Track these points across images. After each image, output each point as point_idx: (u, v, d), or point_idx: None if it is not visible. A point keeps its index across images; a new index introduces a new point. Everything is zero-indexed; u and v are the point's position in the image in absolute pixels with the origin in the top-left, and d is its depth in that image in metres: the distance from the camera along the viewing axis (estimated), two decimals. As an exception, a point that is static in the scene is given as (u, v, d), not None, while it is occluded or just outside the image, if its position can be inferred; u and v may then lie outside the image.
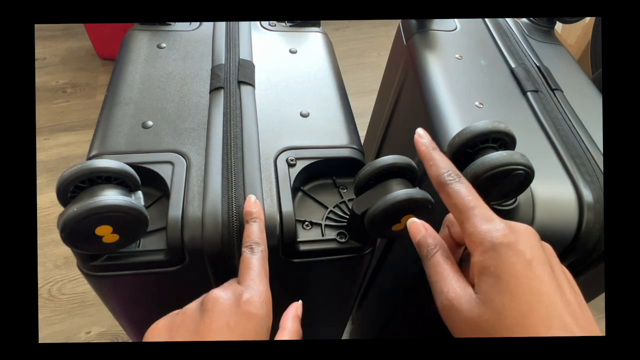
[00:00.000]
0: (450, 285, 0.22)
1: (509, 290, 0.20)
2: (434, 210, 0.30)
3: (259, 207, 0.30)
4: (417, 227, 0.26)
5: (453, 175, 0.24)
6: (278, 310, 0.32)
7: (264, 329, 0.26)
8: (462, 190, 0.24)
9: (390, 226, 0.30)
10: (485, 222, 0.22)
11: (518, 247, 0.21)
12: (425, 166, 0.26)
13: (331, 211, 0.34)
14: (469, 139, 0.31)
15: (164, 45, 0.44)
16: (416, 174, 0.31)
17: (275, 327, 0.28)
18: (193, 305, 0.26)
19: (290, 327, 0.27)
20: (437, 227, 0.27)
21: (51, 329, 0.80)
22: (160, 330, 0.25)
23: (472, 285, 0.22)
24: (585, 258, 0.35)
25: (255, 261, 0.27)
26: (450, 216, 0.26)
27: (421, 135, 0.27)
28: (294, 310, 0.28)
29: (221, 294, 0.26)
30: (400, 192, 0.28)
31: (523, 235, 0.22)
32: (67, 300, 0.84)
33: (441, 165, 0.25)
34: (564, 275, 0.23)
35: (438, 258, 0.24)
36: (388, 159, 0.29)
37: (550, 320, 0.20)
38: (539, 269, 0.21)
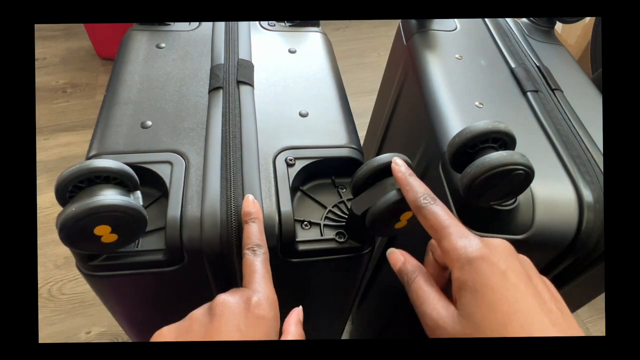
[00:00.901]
0: (432, 306, 0.23)
1: (486, 301, 0.21)
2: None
3: (258, 207, 0.30)
4: (396, 256, 0.27)
5: (428, 199, 0.25)
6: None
7: (273, 331, 0.26)
8: (438, 211, 0.25)
9: (391, 225, 0.30)
10: (460, 239, 0.23)
11: (492, 259, 0.22)
12: (403, 192, 0.27)
13: (330, 211, 0.34)
14: (469, 139, 0.31)
15: (163, 45, 0.44)
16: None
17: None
18: (200, 311, 0.26)
19: (294, 331, 0.27)
20: (422, 238, 0.28)
21: (51, 329, 0.80)
22: (166, 337, 0.25)
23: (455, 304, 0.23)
24: (585, 258, 0.35)
25: (258, 264, 0.27)
26: (432, 241, 0.27)
27: (398, 164, 0.28)
28: (296, 315, 0.29)
29: (230, 298, 0.26)
30: (400, 190, 0.28)
31: (497, 248, 0.23)
32: (67, 300, 0.84)
33: (417, 190, 0.26)
34: (543, 284, 0.23)
35: (419, 282, 0.25)
36: (385, 158, 0.29)
37: (530, 327, 0.20)
38: (515, 278, 0.22)
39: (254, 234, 0.29)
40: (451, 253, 0.23)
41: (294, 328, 0.28)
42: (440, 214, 0.24)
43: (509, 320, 0.20)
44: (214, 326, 0.25)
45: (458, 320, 0.22)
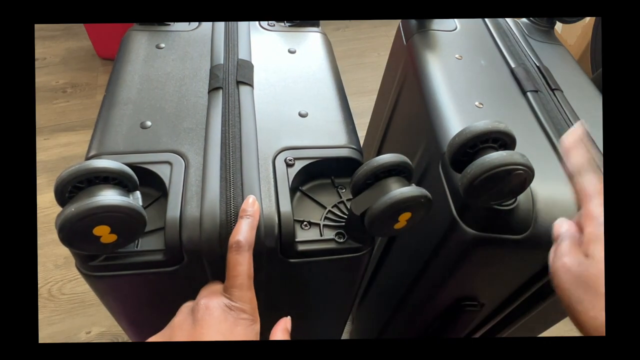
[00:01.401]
0: (566, 252, 0.27)
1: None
2: (431, 207, 0.30)
3: (256, 207, 0.30)
4: (561, 223, 0.30)
5: (586, 167, 0.28)
6: (277, 311, 0.32)
7: (253, 334, 0.27)
8: (592, 179, 0.28)
9: (391, 225, 0.30)
10: (600, 206, 0.26)
11: None
12: (565, 156, 0.29)
13: (330, 211, 0.34)
14: (469, 139, 0.30)
15: (162, 45, 0.44)
16: (412, 172, 0.31)
17: (268, 331, 0.29)
18: (180, 317, 0.27)
19: (280, 339, 0.28)
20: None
21: (51, 329, 0.80)
22: None
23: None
24: (585, 258, 0.35)
25: (241, 267, 0.28)
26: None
27: (571, 132, 0.30)
28: (284, 323, 0.30)
29: (210, 302, 0.27)
30: (399, 190, 0.28)
31: None
32: (67, 300, 0.84)
33: (580, 157, 0.29)
34: None
35: (565, 241, 0.28)
36: (384, 158, 0.29)
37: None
38: None
39: (243, 228, 0.29)
40: (591, 215, 0.26)
41: (280, 335, 0.29)
42: (592, 182, 0.27)
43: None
44: (197, 330, 0.25)
45: (584, 264, 0.25)
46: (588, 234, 0.26)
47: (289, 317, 0.31)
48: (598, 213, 0.26)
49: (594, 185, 0.27)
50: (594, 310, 0.24)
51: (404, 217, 0.30)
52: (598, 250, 0.25)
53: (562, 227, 0.30)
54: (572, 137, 0.30)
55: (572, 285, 0.25)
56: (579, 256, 0.26)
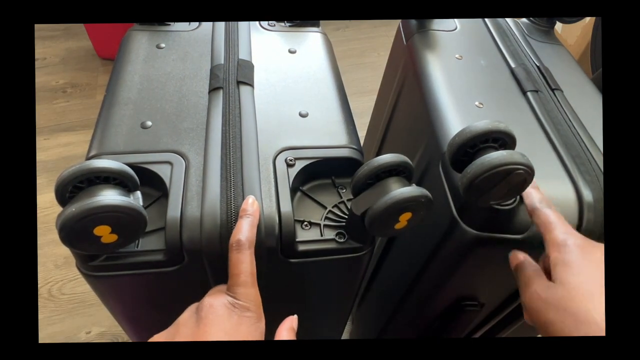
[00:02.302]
0: (534, 281, 0.29)
1: (580, 273, 0.26)
2: (432, 207, 0.30)
3: (256, 207, 0.30)
4: (516, 255, 0.32)
5: (543, 203, 0.31)
6: (277, 311, 0.32)
7: (258, 332, 0.27)
8: (549, 212, 0.30)
9: (391, 225, 0.30)
10: (564, 233, 0.29)
11: (588, 249, 0.28)
12: (523, 197, 0.32)
13: (330, 211, 0.34)
14: (469, 138, 0.30)
15: (163, 45, 0.44)
16: (412, 172, 0.31)
17: (272, 331, 0.29)
18: (186, 315, 0.27)
19: (285, 338, 0.28)
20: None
21: (51, 329, 0.80)
22: None
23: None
24: (585, 258, 0.35)
25: (243, 264, 0.28)
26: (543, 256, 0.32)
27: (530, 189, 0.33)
28: (290, 322, 0.30)
29: (215, 301, 0.27)
30: (399, 190, 0.28)
31: (598, 246, 0.28)
32: (67, 300, 0.84)
33: (536, 195, 0.32)
34: None
35: (529, 272, 0.30)
36: (385, 158, 0.29)
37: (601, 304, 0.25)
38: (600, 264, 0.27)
39: (243, 227, 0.29)
40: (554, 242, 0.28)
41: (285, 334, 0.29)
42: (550, 214, 0.30)
43: (596, 294, 0.25)
44: (200, 329, 0.25)
45: (552, 288, 0.27)
46: (554, 259, 0.28)
47: (295, 316, 0.30)
48: (561, 239, 0.28)
49: (553, 217, 0.30)
50: (566, 329, 0.25)
51: (405, 217, 0.30)
52: (563, 274, 0.27)
53: (519, 257, 0.32)
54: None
55: (542, 310, 0.27)
56: (544, 282, 0.28)
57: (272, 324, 0.29)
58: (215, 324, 0.25)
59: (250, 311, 0.27)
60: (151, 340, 0.26)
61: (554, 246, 0.28)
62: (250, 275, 0.28)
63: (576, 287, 0.26)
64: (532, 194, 0.32)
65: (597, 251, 0.27)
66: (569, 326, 0.24)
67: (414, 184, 0.30)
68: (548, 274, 0.29)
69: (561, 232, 0.29)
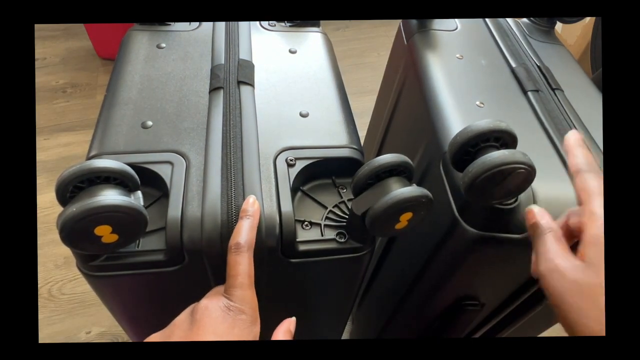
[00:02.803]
0: (557, 254, 0.25)
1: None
2: (432, 207, 0.30)
3: (257, 207, 0.30)
4: (535, 211, 0.29)
5: (591, 167, 0.27)
6: (278, 311, 0.32)
7: (252, 335, 0.27)
8: (595, 179, 0.27)
9: (392, 225, 0.30)
10: (602, 207, 0.25)
11: None
12: (567, 157, 0.29)
13: (330, 211, 0.34)
14: (471, 138, 0.30)
15: (163, 45, 0.44)
16: (412, 172, 0.31)
17: (272, 332, 0.29)
18: (182, 317, 0.27)
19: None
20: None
21: (51, 329, 0.80)
22: None
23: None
24: (585, 258, 0.35)
25: (241, 265, 0.27)
26: (572, 209, 0.29)
27: (572, 133, 0.30)
28: (287, 325, 0.30)
29: (210, 303, 0.27)
30: (400, 190, 0.28)
31: None
32: (67, 300, 0.84)
33: (583, 157, 0.28)
34: None
35: (549, 237, 0.27)
36: (385, 158, 0.29)
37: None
38: None
39: (243, 229, 0.28)
40: (594, 215, 0.25)
41: (281, 336, 0.29)
42: (595, 181, 0.26)
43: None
44: (193, 330, 0.25)
45: (581, 270, 0.24)
46: (589, 236, 0.24)
47: (293, 319, 0.30)
48: (600, 214, 0.25)
49: (596, 185, 0.26)
50: (589, 320, 0.23)
51: (405, 217, 0.30)
52: (598, 255, 0.23)
53: (542, 218, 0.28)
54: (575, 135, 0.30)
55: (567, 292, 0.24)
56: (573, 260, 0.24)
57: (272, 325, 0.29)
58: (208, 326, 0.25)
59: (245, 314, 0.27)
60: (147, 340, 0.26)
61: (592, 219, 0.25)
62: (247, 277, 0.28)
63: (597, 266, 0.23)
64: (579, 155, 0.28)
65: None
66: (593, 320, 0.22)
67: (414, 184, 0.30)
68: (569, 239, 0.27)
69: (600, 205, 0.25)
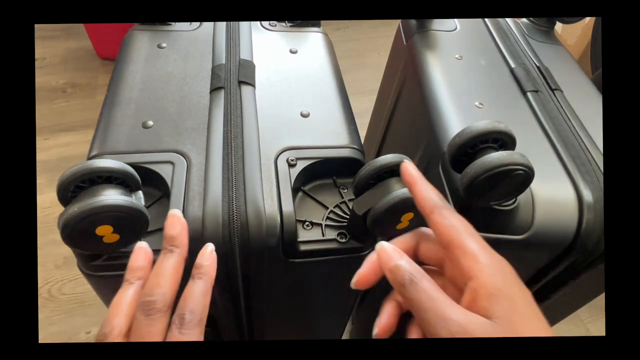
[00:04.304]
0: (456, 312, 0.21)
1: (522, 313, 0.21)
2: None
3: (212, 261, 0.24)
4: (390, 254, 0.24)
5: (445, 202, 0.24)
6: (279, 311, 0.32)
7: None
8: (455, 215, 0.23)
9: (393, 225, 0.30)
10: (483, 249, 0.22)
11: (508, 270, 0.22)
12: (415, 192, 0.25)
13: (331, 211, 0.34)
14: (470, 139, 0.31)
15: (164, 45, 0.44)
16: None
17: (275, 331, 0.28)
18: None
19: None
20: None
21: (51, 329, 0.80)
22: None
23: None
24: (585, 258, 0.35)
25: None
26: (422, 231, 0.25)
27: (409, 165, 0.26)
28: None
29: None
30: (402, 190, 0.28)
31: (505, 262, 0.23)
32: (67, 300, 0.84)
33: (434, 191, 0.24)
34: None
35: (426, 285, 0.22)
36: (387, 158, 0.29)
37: (544, 330, 0.21)
38: (523, 287, 0.22)
39: (193, 296, 0.22)
40: (475, 258, 0.22)
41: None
42: (457, 217, 0.23)
43: (535, 323, 0.21)
44: None
45: (491, 327, 0.20)
46: (486, 286, 0.21)
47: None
48: (485, 257, 0.21)
49: (460, 223, 0.23)
50: None
51: (407, 218, 0.30)
52: (504, 309, 0.20)
53: (393, 260, 0.23)
54: (413, 166, 0.25)
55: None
56: (474, 317, 0.21)
57: (273, 324, 0.30)
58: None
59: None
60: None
61: (480, 267, 0.21)
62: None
63: (509, 322, 0.20)
64: (428, 188, 0.24)
65: (506, 266, 0.22)
66: None
67: None
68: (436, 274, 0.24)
69: (481, 249, 0.22)
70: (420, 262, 0.25)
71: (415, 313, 0.22)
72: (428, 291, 0.22)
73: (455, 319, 0.21)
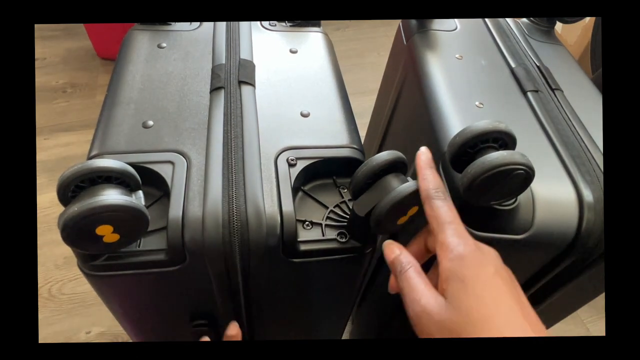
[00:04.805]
0: (422, 294, 0.24)
1: (474, 294, 0.23)
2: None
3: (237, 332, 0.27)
4: (392, 248, 0.29)
5: (439, 193, 0.27)
6: (279, 311, 0.32)
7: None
8: (444, 206, 0.26)
9: (395, 222, 0.30)
10: (457, 236, 0.25)
11: (483, 261, 0.24)
12: (418, 179, 0.28)
13: (331, 211, 0.34)
14: (470, 138, 0.31)
15: (164, 45, 0.44)
16: (407, 167, 0.31)
17: (274, 331, 0.28)
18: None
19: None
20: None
21: (51, 329, 0.80)
22: None
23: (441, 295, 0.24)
24: (585, 258, 0.35)
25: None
26: (429, 229, 0.28)
27: (423, 152, 0.30)
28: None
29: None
30: (403, 186, 0.28)
31: (490, 253, 0.25)
32: (67, 300, 0.84)
33: (432, 181, 0.28)
34: (523, 293, 0.25)
35: (411, 273, 0.26)
36: (381, 157, 0.29)
37: (511, 326, 0.22)
38: (501, 282, 0.24)
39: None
40: (445, 245, 0.25)
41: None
42: (445, 209, 0.26)
43: (493, 315, 0.22)
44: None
45: (445, 308, 0.23)
46: (446, 269, 0.24)
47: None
48: (454, 244, 0.24)
49: (445, 213, 0.26)
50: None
51: (412, 211, 0.30)
52: (456, 290, 0.23)
53: (394, 252, 0.27)
54: (425, 155, 0.29)
55: (437, 333, 0.23)
56: (436, 297, 0.24)
57: (273, 324, 0.30)
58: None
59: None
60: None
61: (446, 252, 0.24)
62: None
63: (470, 311, 0.22)
64: (429, 177, 0.27)
65: (489, 264, 0.24)
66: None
67: (409, 178, 0.30)
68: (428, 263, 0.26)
69: (455, 236, 0.25)
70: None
71: (402, 297, 0.26)
72: (410, 279, 0.26)
73: (419, 300, 0.24)
